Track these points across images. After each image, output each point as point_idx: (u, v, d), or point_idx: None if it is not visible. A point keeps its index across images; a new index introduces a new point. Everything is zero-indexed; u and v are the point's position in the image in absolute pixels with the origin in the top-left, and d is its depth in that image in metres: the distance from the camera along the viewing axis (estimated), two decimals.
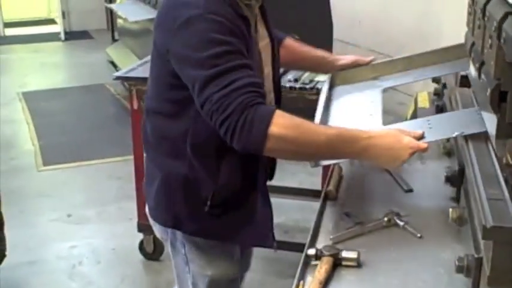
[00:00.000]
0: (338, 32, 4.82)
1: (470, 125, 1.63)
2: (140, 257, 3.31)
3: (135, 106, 3.02)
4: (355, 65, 2.16)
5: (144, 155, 1.94)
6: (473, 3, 1.68)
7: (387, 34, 5.49)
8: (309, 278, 1.41)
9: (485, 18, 1.43)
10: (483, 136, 1.55)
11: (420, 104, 2.32)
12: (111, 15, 7.99)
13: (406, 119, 2.20)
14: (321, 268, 1.41)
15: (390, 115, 2.61)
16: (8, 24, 10.14)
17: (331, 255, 1.44)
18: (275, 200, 3.46)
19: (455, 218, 1.56)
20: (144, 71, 2.63)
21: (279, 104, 1.90)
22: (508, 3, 1.29)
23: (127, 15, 5.65)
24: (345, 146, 1.54)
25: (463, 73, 1.86)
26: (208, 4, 1.54)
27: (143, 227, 3.14)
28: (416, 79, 2.19)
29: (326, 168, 2.82)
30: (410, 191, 1.78)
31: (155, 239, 3.18)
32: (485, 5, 1.44)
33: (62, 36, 9.52)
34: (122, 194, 3.95)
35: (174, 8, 1.59)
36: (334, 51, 4.56)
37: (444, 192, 1.72)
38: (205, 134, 1.64)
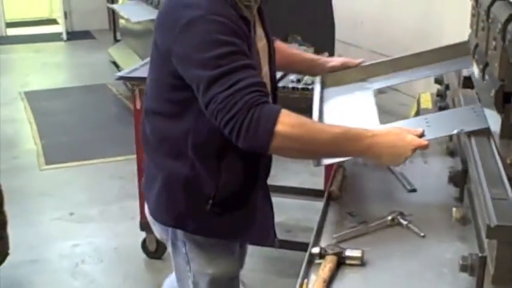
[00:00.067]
0: (340, 33, 4.83)
1: (469, 122, 1.67)
2: (142, 255, 3.32)
3: (138, 106, 3.03)
4: (344, 67, 2.18)
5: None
6: (477, 5, 1.69)
7: (389, 35, 5.50)
8: (312, 277, 1.41)
9: (490, 20, 1.44)
10: (486, 136, 1.56)
11: (423, 105, 2.33)
12: (113, 15, 8.01)
13: None
14: (325, 267, 1.41)
15: (392, 116, 2.62)
16: (10, 24, 10.15)
17: (335, 254, 1.45)
18: (277, 200, 3.48)
19: (459, 217, 1.57)
20: (147, 71, 2.64)
21: (275, 103, 1.91)
22: None
23: (129, 16, 5.67)
24: (349, 144, 1.56)
25: (466, 74, 1.87)
26: (211, 5, 1.56)
27: (145, 225, 3.14)
28: (406, 80, 2.23)
29: (328, 168, 2.83)
30: (414, 190, 1.79)
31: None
32: (489, 6, 1.45)
33: (64, 36, 9.53)
34: (124, 193, 3.96)
35: (176, 9, 1.59)
36: (336, 52, 4.58)
37: (447, 192, 1.73)
38: (207, 134, 1.65)
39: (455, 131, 1.66)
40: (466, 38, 2.00)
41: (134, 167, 3.13)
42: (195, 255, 1.81)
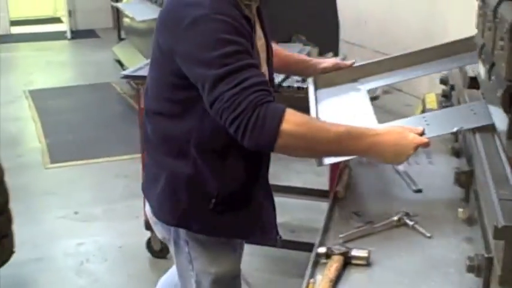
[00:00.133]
0: (344, 32, 4.83)
1: (467, 120, 1.71)
2: (147, 254, 3.33)
3: (142, 105, 3.03)
4: (336, 68, 2.19)
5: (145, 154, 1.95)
6: (483, 5, 1.69)
7: (393, 35, 5.50)
8: (318, 277, 1.41)
9: (497, 20, 1.44)
10: (492, 136, 1.57)
11: (428, 106, 2.33)
12: (118, 14, 8.01)
13: None
14: (331, 266, 1.42)
15: (397, 116, 2.62)
16: (14, 23, 10.17)
17: (341, 254, 1.45)
18: (281, 200, 3.49)
19: (465, 218, 1.57)
20: None
21: None
22: None
23: (134, 15, 5.68)
24: (353, 142, 1.57)
25: (471, 74, 1.88)
26: (215, 4, 1.56)
27: (150, 225, 3.14)
28: (399, 80, 2.25)
29: (333, 168, 2.84)
30: (419, 191, 1.79)
31: None
32: (496, 6, 1.45)
33: (68, 34, 9.55)
34: (129, 192, 3.97)
35: (179, 8, 1.60)
36: (340, 52, 4.58)
37: (453, 192, 1.73)
38: (210, 134, 1.66)
39: (455, 129, 1.69)
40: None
41: (139, 166, 3.13)
42: (197, 254, 1.81)
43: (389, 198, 1.79)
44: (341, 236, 1.56)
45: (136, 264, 3.29)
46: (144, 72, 3.09)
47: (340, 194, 1.80)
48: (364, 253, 1.45)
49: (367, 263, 1.45)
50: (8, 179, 2.91)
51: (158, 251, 3.30)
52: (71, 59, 8.67)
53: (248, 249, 3.15)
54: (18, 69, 7.79)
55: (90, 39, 9.40)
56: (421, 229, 1.57)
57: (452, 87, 2.28)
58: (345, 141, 1.56)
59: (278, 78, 2.86)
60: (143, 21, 5.52)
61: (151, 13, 5.32)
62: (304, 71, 2.21)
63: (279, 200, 3.58)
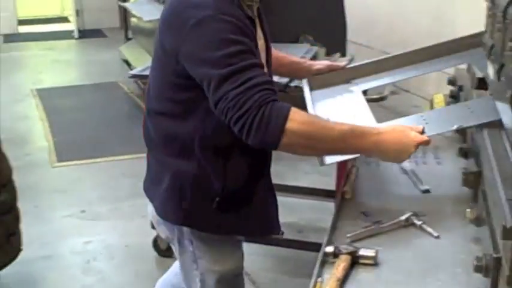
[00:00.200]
0: (351, 33, 4.82)
1: (465, 118, 1.75)
2: (153, 253, 3.33)
3: None
4: (330, 70, 2.21)
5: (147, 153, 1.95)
6: (493, 6, 1.69)
7: (401, 35, 5.49)
8: (326, 276, 1.42)
9: (506, 21, 1.44)
10: (501, 137, 1.57)
11: (436, 106, 2.33)
12: (125, 13, 8.03)
13: None
14: (339, 266, 1.42)
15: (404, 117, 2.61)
16: (22, 22, 10.21)
17: (349, 253, 1.46)
18: (288, 200, 3.51)
19: (473, 218, 1.57)
20: None
21: None
22: None
23: (141, 15, 5.68)
24: (357, 141, 1.58)
25: (479, 75, 1.88)
26: (219, 5, 1.58)
27: None
28: (392, 81, 2.28)
29: (340, 168, 2.84)
30: (427, 191, 1.80)
31: None
32: (506, 7, 1.45)
33: (76, 34, 9.57)
34: (136, 191, 3.92)
35: (183, 9, 1.61)
36: (347, 52, 4.57)
37: (461, 193, 1.73)
38: (213, 133, 1.67)
39: (454, 127, 1.74)
40: None
41: (145, 165, 3.13)
42: (202, 253, 1.82)
43: (396, 198, 1.79)
44: (349, 235, 1.56)
45: (142, 263, 3.30)
46: None
47: (348, 194, 1.81)
48: (371, 253, 1.46)
49: (375, 262, 1.45)
50: (16, 178, 2.93)
51: (164, 250, 3.31)
52: (78, 59, 8.70)
53: (255, 249, 3.17)
54: (26, 68, 7.82)
55: (97, 39, 9.42)
56: (428, 229, 1.58)
57: (460, 88, 2.28)
58: (349, 140, 1.57)
59: (285, 78, 2.86)
60: (150, 21, 5.52)
61: (158, 13, 5.25)
62: (298, 72, 2.23)
63: (286, 200, 3.59)
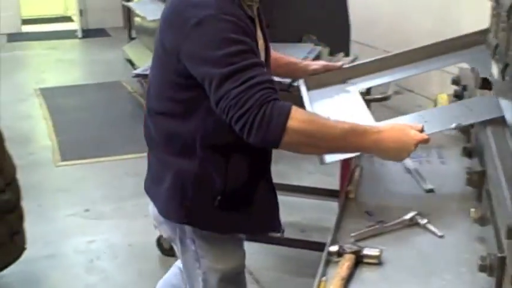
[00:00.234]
0: (355, 33, 4.82)
1: (463, 116, 1.77)
2: (157, 252, 3.34)
3: None
4: (326, 70, 2.23)
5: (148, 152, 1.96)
6: (497, 5, 1.69)
7: (404, 35, 5.48)
8: (330, 275, 1.42)
9: (511, 21, 1.44)
10: (505, 136, 1.57)
11: (440, 106, 2.33)
12: (129, 13, 8.03)
13: None
14: (343, 265, 1.42)
15: None
16: (25, 21, 10.22)
17: (353, 253, 1.46)
18: (291, 199, 3.51)
19: (477, 217, 1.57)
20: None
21: None
22: None
23: (145, 14, 5.69)
24: (357, 139, 1.59)
25: (483, 75, 1.88)
26: (220, 4, 1.59)
27: None
28: (387, 80, 2.29)
29: (343, 167, 2.84)
30: (432, 191, 1.80)
31: None
32: (511, 7, 1.45)
33: (79, 33, 9.57)
34: (139, 190, 3.89)
35: (184, 9, 1.62)
36: (351, 52, 4.57)
37: (465, 192, 1.73)
38: (215, 132, 1.68)
39: (453, 125, 1.76)
40: None
41: None
42: (204, 252, 1.83)
43: (400, 198, 1.79)
44: (353, 234, 1.56)
45: (146, 262, 3.30)
46: None
47: (352, 193, 1.81)
48: (376, 252, 1.46)
49: (379, 261, 1.45)
50: (19, 177, 2.93)
51: (168, 249, 3.31)
52: (81, 58, 8.71)
53: (258, 248, 3.18)
54: (30, 67, 7.83)
55: (100, 38, 9.43)
56: (432, 228, 1.58)
57: (464, 88, 2.27)
58: (350, 138, 1.58)
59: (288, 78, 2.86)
60: (154, 20, 5.52)
61: None
62: (294, 72, 2.24)
63: (289, 199, 3.59)
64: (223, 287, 1.86)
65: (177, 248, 1.93)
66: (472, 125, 2.00)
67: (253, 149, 1.64)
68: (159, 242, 3.33)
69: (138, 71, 3.32)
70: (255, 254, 3.21)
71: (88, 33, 9.65)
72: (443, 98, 2.36)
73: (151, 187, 1.90)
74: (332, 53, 3.73)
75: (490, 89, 1.83)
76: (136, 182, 4.18)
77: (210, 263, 1.84)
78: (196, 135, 1.69)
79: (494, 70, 1.71)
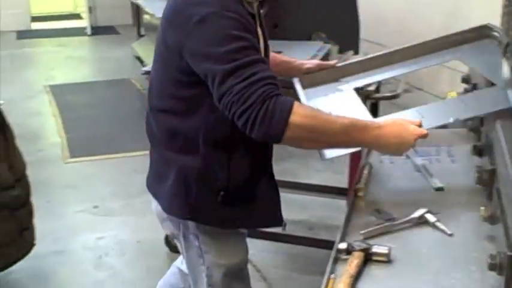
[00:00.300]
0: (364, 31, 4.81)
1: (460, 111, 1.81)
2: (165, 249, 3.34)
3: None
4: (320, 69, 2.24)
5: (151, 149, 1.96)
6: (509, 3, 1.69)
7: (414, 33, 5.46)
8: (338, 272, 1.42)
9: None
10: None
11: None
12: (138, 10, 8.04)
13: None
14: (352, 262, 1.42)
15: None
16: (35, 18, 10.27)
17: (362, 250, 1.45)
18: (299, 197, 3.51)
19: (487, 216, 1.56)
20: None
21: None
22: None
23: (154, 11, 5.69)
24: (359, 134, 1.61)
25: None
26: (222, 2, 1.60)
27: None
28: (383, 78, 2.30)
29: (352, 165, 2.84)
30: (441, 189, 1.79)
31: None
32: None
33: (88, 30, 9.61)
34: None
35: (187, 6, 1.63)
36: (360, 50, 4.56)
37: (475, 191, 1.73)
38: (218, 128, 1.69)
39: (451, 119, 1.78)
40: None
41: None
42: (208, 247, 1.84)
43: (410, 196, 1.79)
44: (362, 232, 1.56)
45: (154, 258, 3.31)
46: None
47: (361, 191, 1.80)
48: (384, 250, 1.46)
49: (388, 259, 1.45)
50: (29, 173, 2.95)
51: (176, 246, 3.31)
52: (90, 55, 8.73)
53: (266, 245, 3.18)
54: (39, 64, 7.86)
55: (109, 36, 9.46)
56: (442, 226, 1.57)
57: (474, 86, 2.26)
58: (351, 133, 1.60)
59: None
60: None
61: None
62: (289, 71, 2.25)
63: (297, 197, 3.59)
64: (227, 283, 1.87)
65: (180, 245, 1.94)
66: (482, 123, 1.99)
67: (256, 144, 1.66)
68: (167, 238, 3.33)
69: (147, 68, 3.32)
70: (263, 252, 3.22)
71: (97, 30, 9.68)
72: (453, 96, 2.36)
73: (154, 184, 1.92)
74: (341, 51, 3.72)
75: None
76: (144, 178, 4.22)
77: (214, 258, 1.85)
78: (198, 132, 1.70)
79: (505, 67, 1.70)
